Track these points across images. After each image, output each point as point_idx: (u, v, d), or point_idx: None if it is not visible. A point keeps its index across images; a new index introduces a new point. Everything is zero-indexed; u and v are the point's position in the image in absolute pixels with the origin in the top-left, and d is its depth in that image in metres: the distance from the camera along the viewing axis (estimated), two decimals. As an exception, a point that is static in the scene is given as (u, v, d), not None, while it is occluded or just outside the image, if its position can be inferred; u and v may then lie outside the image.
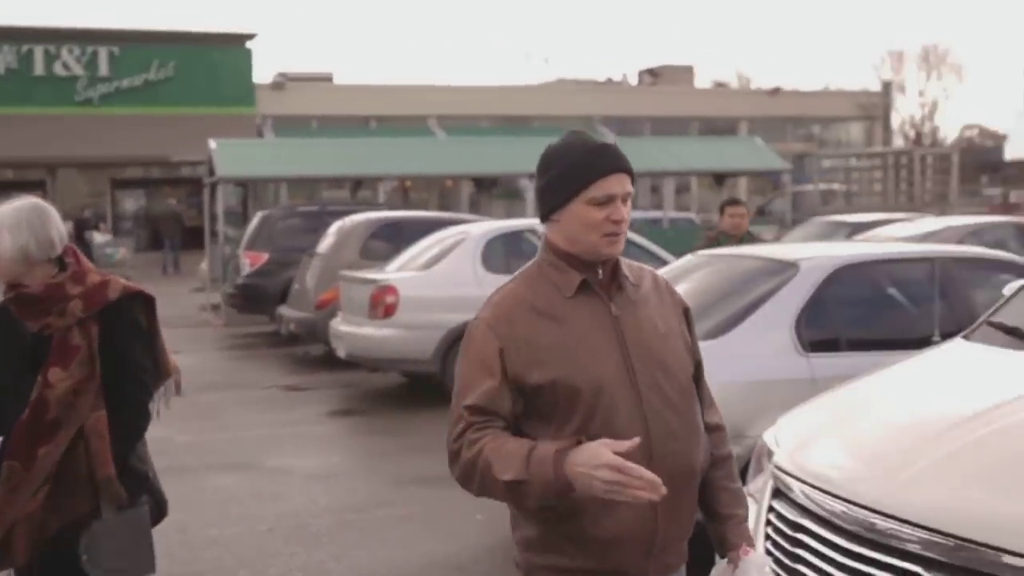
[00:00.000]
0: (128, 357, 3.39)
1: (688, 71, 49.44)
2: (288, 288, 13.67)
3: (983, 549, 2.42)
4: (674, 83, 45.12)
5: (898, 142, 49.26)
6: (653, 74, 47.45)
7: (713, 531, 2.54)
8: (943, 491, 2.65)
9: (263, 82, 36.98)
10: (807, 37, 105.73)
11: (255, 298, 14.86)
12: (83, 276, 3.39)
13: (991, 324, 3.87)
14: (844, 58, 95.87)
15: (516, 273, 2.60)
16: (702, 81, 50.77)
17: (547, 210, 2.50)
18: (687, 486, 2.40)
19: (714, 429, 2.56)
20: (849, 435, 3.24)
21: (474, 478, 2.32)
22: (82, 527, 3.27)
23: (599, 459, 2.13)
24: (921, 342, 4.63)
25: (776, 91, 44.68)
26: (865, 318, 5.62)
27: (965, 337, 3.90)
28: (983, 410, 2.93)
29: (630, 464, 2.12)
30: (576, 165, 2.40)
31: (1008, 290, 4.17)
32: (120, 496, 3.30)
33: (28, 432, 3.26)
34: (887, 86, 49.56)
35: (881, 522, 2.64)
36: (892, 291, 5.80)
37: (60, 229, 3.38)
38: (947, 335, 4.51)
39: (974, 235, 12.21)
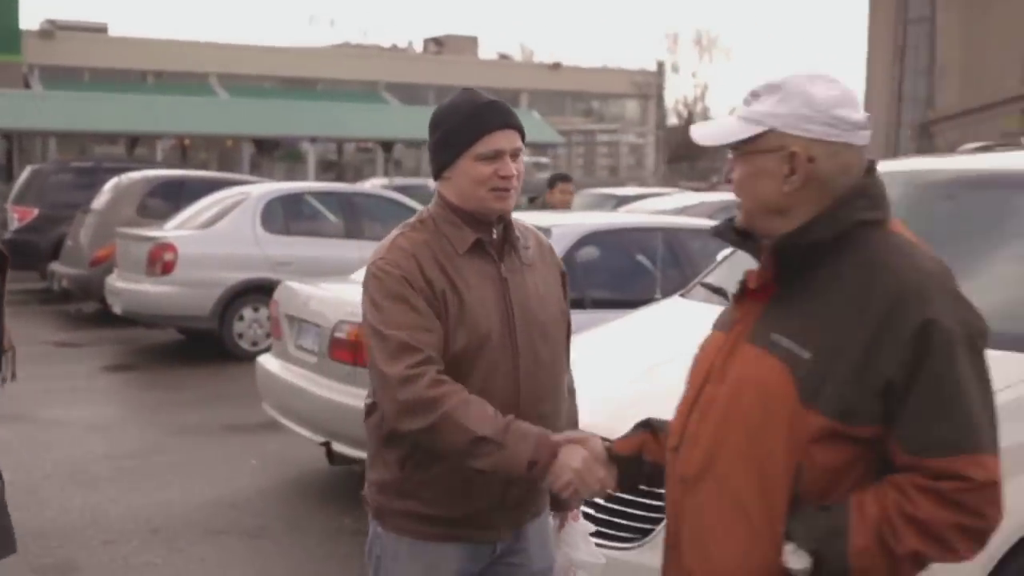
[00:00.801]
0: None
1: (473, 41, 50.16)
2: (60, 244, 13.42)
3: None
4: (459, 53, 45.76)
5: (672, 120, 51.55)
6: (438, 43, 47.91)
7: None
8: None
9: (31, 28, 35.20)
10: (590, 14, 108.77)
11: (24, 253, 14.43)
12: None
13: (703, 285, 4.56)
14: (624, 37, 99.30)
15: (409, 222, 2.54)
16: (486, 52, 51.68)
17: (438, 167, 2.48)
18: None
19: (570, 394, 2.68)
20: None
21: (429, 415, 2.28)
22: None
23: (592, 473, 2.21)
24: (649, 301, 5.32)
25: (557, 66, 46.05)
26: (606, 280, 6.31)
27: (682, 295, 4.58)
28: (667, 351, 3.57)
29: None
30: (463, 121, 2.41)
31: (720, 256, 4.88)
32: None
33: None
34: (661, 66, 51.77)
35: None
36: (628, 256, 6.52)
37: None
38: (670, 295, 5.21)
39: (724, 210, 13.31)
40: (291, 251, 10.26)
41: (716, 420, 1.90)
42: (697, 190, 19.54)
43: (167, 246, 10.04)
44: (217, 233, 10.32)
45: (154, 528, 5.43)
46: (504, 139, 2.42)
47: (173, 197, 12.56)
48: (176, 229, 10.67)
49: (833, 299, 1.82)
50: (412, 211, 11.33)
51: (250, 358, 7.86)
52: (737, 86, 58.96)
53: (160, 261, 9.98)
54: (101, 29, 39.65)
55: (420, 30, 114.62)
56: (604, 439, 2.26)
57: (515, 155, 2.44)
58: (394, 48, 49.47)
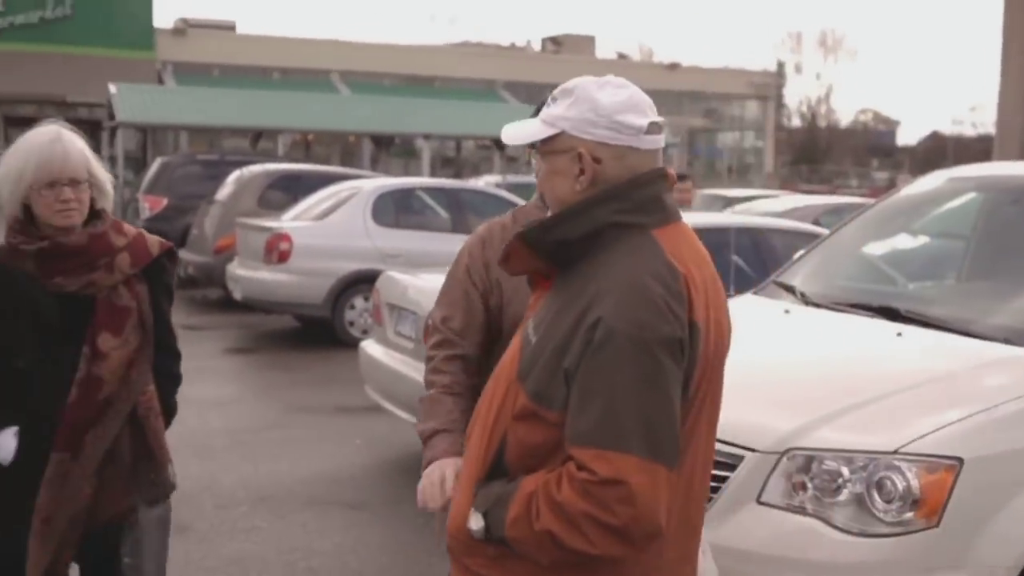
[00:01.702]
0: (164, 323, 3.01)
1: (590, 41, 50.38)
2: (187, 233, 14.14)
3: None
4: (576, 52, 45.99)
5: (796, 122, 50.94)
6: (556, 42, 48.26)
7: None
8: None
9: (164, 27, 36.67)
10: (710, 14, 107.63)
11: (154, 242, 15.28)
12: (121, 226, 2.96)
13: (776, 282, 4.78)
14: (744, 37, 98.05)
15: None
16: (604, 52, 51.82)
17: None
18: None
19: None
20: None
21: (423, 396, 2.58)
22: (121, 526, 2.93)
23: (436, 487, 2.29)
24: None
25: (675, 66, 45.93)
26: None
27: (755, 292, 4.80)
28: (735, 344, 3.80)
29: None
30: None
31: (796, 256, 5.08)
32: (169, 488, 2.99)
33: (78, 416, 2.81)
34: (781, 66, 51.22)
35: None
36: (717, 254, 6.71)
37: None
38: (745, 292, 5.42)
39: (832, 213, 13.29)
40: (400, 243, 10.68)
41: (483, 393, 2.08)
42: (814, 193, 19.47)
43: (283, 236, 10.57)
44: (330, 225, 10.82)
45: (262, 496, 5.88)
46: None
47: (291, 190, 13.14)
48: (292, 220, 11.21)
49: (567, 293, 1.93)
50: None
51: (359, 344, 8.29)
52: (863, 87, 57.81)
53: (276, 250, 10.52)
54: (230, 27, 41.05)
55: (538, 29, 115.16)
56: None
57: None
58: (512, 47, 49.98)
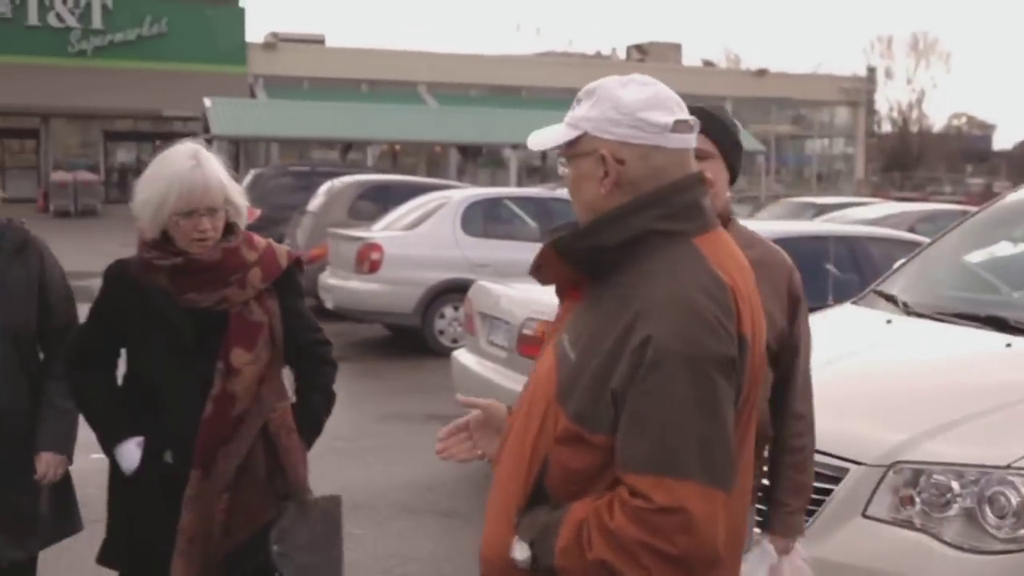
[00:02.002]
0: (306, 333, 3.02)
1: (676, 48, 50.14)
2: (279, 243, 14.30)
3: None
4: (662, 60, 45.77)
5: (887, 128, 50.02)
6: (641, 50, 48.10)
7: (766, 510, 2.69)
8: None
9: (255, 41, 37.40)
10: (798, 19, 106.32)
11: (247, 252, 15.53)
12: (253, 239, 2.96)
13: (876, 292, 4.69)
14: (833, 42, 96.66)
15: None
16: (690, 59, 51.51)
17: None
18: None
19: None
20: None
21: None
22: (260, 541, 2.92)
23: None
24: (822, 308, 5.44)
25: (763, 72, 45.43)
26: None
27: (854, 302, 4.72)
28: (839, 354, 3.74)
29: None
30: None
31: (896, 265, 4.97)
32: (309, 502, 3.01)
33: (212, 432, 2.81)
34: (872, 71, 50.31)
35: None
36: (802, 263, 6.60)
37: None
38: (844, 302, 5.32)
39: (927, 220, 13.02)
40: (489, 253, 10.70)
41: (514, 411, 1.98)
42: (906, 200, 19.08)
43: (374, 246, 10.69)
44: (420, 235, 10.92)
45: (357, 503, 5.93)
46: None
47: (381, 200, 13.26)
48: (383, 230, 11.33)
49: (606, 306, 1.81)
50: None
51: (449, 353, 8.33)
52: (957, 91, 56.58)
53: (368, 260, 10.64)
54: (319, 40, 41.72)
55: (624, 38, 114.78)
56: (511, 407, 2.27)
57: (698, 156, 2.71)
58: (598, 56, 49.93)
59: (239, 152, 27.31)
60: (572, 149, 1.90)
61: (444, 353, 9.81)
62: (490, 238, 11.07)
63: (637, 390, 1.72)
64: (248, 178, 17.08)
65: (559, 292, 1.97)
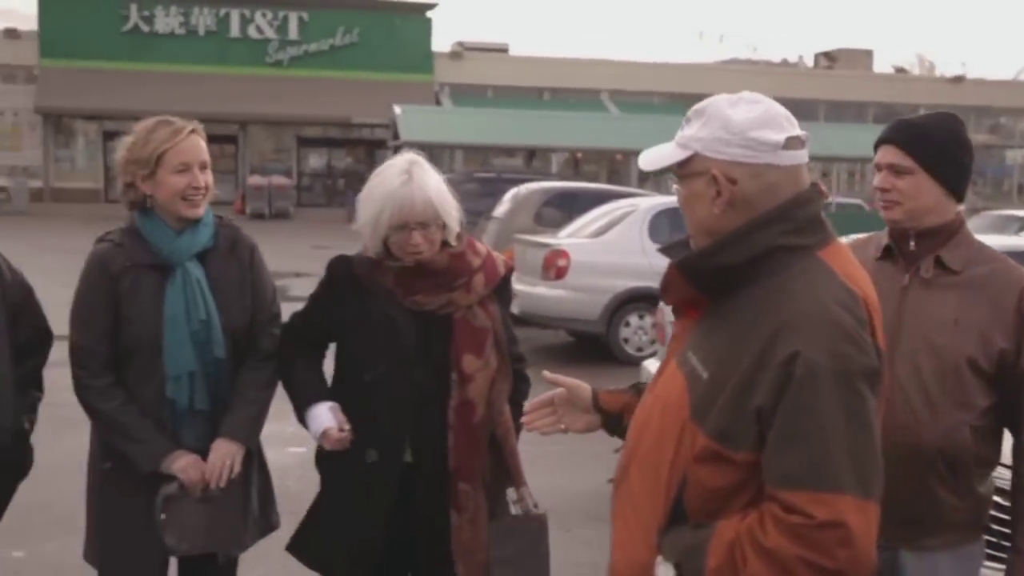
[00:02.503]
0: (511, 343, 3.04)
1: (867, 55, 48.47)
2: (464, 248, 14.51)
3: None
4: (851, 67, 44.38)
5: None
6: (830, 57, 46.76)
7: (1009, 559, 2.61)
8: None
9: (442, 51, 38.13)
10: (996, 22, 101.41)
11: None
12: (475, 245, 3.02)
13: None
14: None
15: None
16: (881, 66, 49.79)
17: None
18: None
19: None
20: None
21: None
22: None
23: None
24: None
25: (959, 79, 43.49)
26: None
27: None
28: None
29: None
30: None
31: None
32: (523, 516, 3.05)
33: (463, 443, 2.87)
34: (1080, 77, 47.51)
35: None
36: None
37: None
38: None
39: None
40: (676, 262, 10.56)
41: (637, 428, 1.97)
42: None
43: (561, 253, 10.69)
44: (607, 242, 10.86)
45: (544, 508, 5.91)
46: (883, 154, 2.62)
47: (567, 207, 13.28)
48: (569, 237, 11.32)
49: (737, 322, 1.81)
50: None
51: (634, 363, 8.25)
52: None
53: (554, 267, 10.65)
54: (503, 49, 42.22)
55: (811, 44, 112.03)
56: (597, 390, 2.37)
57: (888, 169, 2.61)
58: (784, 63, 48.86)
59: (424, 158, 27.91)
60: (684, 169, 1.91)
61: (628, 361, 9.73)
62: (677, 247, 10.88)
63: (787, 406, 1.72)
64: (435, 184, 17.41)
65: (676, 311, 1.99)
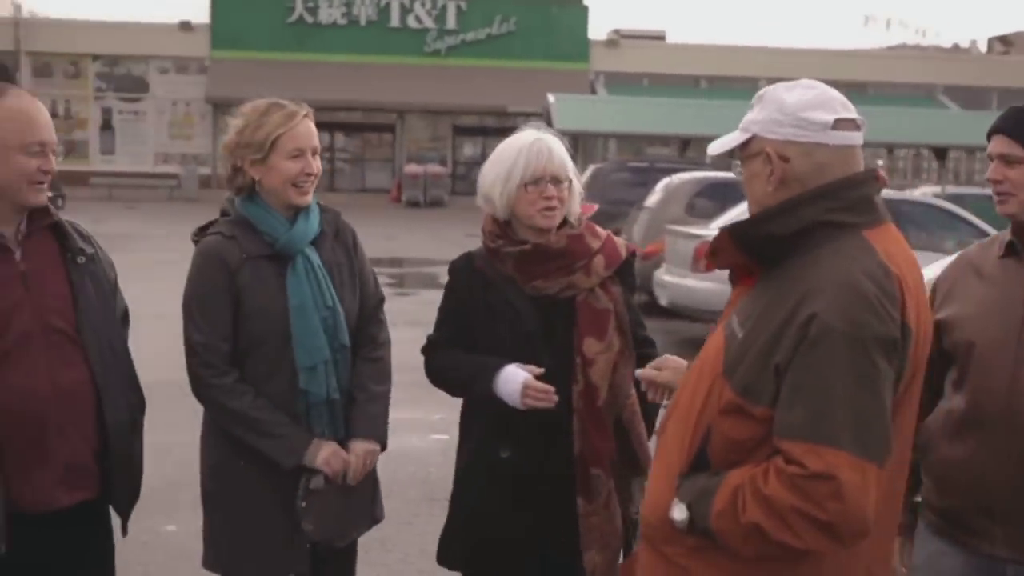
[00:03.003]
0: (640, 323, 3.00)
1: (1046, 39, 46.10)
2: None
3: None
4: (1028, 52, 42.31)
5: None
6: (1005, 42, 44.67)
7: None
8: None
9: (597, 39, 38.01)
10: None
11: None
12: (594, 228, 2.95)
13: None
14: None
15: None
16: (1061, 51, 47.15)
17: None
18: None
19: None
20: None
21: None
22: None
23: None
24: None
25: None
26: None
27: None
28: None
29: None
30: None
31: None
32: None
33: (589, 427, 2.79)
34: None
35: None
36: None
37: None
38: None
39: None
40: (832, 255, 10.27)
41: (681, 385, 2.10)
42: None
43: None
44: (760, 234, 10.61)
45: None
46: (994, 144, 2.51)
47: (720, 197, 13.01)
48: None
49: (777, 288, 1.91)
50: (962, 221, 10.88)
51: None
52: None
53: (704, 258, 10.46)
54: (660, 37, 41.83)
55: (986, 28, 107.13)
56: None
57: (1000, 159, 2.50)
58: (955, 48, 46.91)
59: (578, 147, 27.94)
60: (744, 151, 2.03)
61: (780, 357, 9.49)
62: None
63: (799, 363, 1.82)
64: (588, 173, 17.38)
65: (732, 278, 2.09)
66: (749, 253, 1.98)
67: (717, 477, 1.90)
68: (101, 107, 36.01)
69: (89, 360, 2.65)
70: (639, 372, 2.47)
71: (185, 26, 36.02)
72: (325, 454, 2.90)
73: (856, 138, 1.99)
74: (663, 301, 11.13)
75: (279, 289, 2.88)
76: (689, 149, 27.20)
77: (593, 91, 35.66)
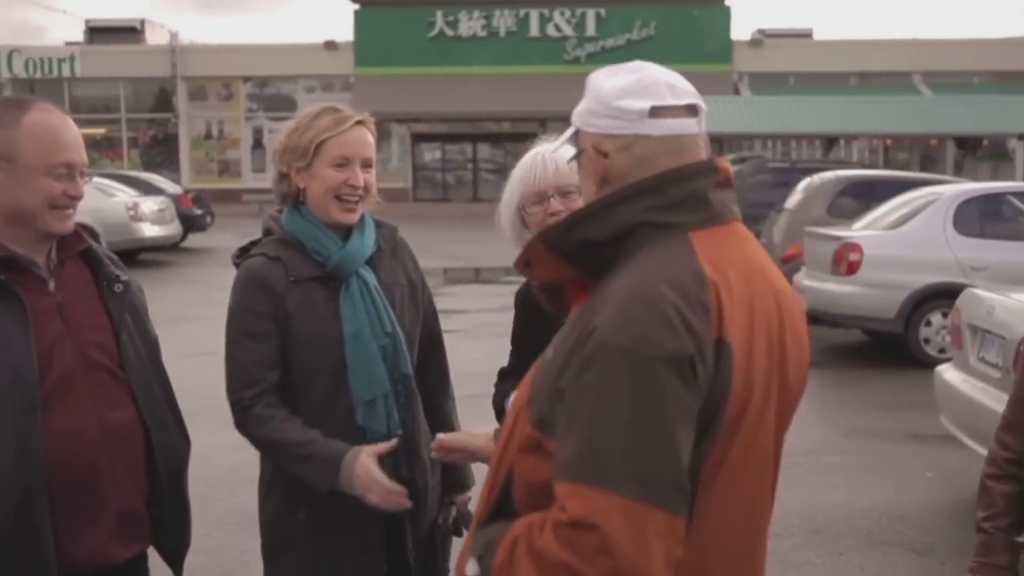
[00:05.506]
0: None
1: None
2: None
3: None
4: None
5: None
6: None
7: None
8: None
9: (741, 39, 37.22)
10: None
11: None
12: None
13: None
14: None
15: None
16: None
17: None
18: None
19: None
20: None
21: None
22: None
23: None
24: None
25: None
26: None
27: None
28: None
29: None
30: None
31: None
32: None
33: None
34: None
35: None
36: None
37: None
38: None
39: None
40: (986, 255, 9.61)
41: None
42: None
43: (853, 246, 9.96)
44: (905, 234, 10.01)
45: (816, 528, 5.41)
46: None
47: (863, 197, 12.43)
48: (863, 229, 10.55)
49: (590, 303, 1.62)
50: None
51: (936, 365, 7.50)
52: None
53: (845, 261, 9.93)
54: (806, 34, 40.65)
55: None
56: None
57: None
58: None
59: (721, 149, 27.30)
60: (576, 148, 1.76)
61: (928, 364, 8.87)
62: (987, 238, 9.89)
63: (574, 386, 1.53)
64: (726, 175, 16.89)
65: (569, 295, 1.76)
66: (570, 263, 1.67)
67: (507, 526, 1.60)
68: (252, 127, 37.11)
69: (135, 398, 2.45)
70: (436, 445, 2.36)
71: (330, 45, 36.82)
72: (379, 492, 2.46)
73: (687, 126, 1.68)
74: (803, 306, 10.59)
75: (332, 315, 2.56)
76: (835, 147, 26.31)
77: (736, 92, 34.86)
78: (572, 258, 1.67)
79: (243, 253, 2.69)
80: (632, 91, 1.68)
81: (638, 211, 1.63)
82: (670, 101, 1.68)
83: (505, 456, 1.67)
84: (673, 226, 1.62)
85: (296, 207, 2.66)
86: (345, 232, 2.64)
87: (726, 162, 1.72)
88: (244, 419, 2.56)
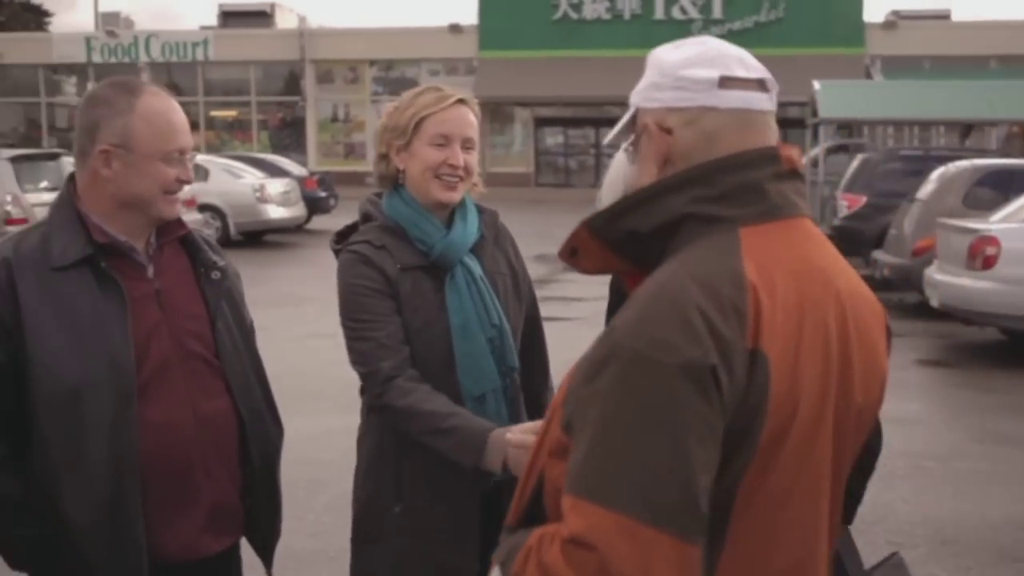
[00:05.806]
0: None
1: None
2: (884, 232, 13.49)
3: None
4: None
5: None
6: None
7: None
8: None
9: (874, 21, 36.09)
10: None
11: (851, 240, 14.78)
12: None
13: None
14: None
15: None
16: None
17: None
18: None
19: None
20: None
21: None
22: None
23: None
24: None
25: None
26: None
27: None
28: None
29: None
30: None
31: None
32: None
33: None
34: None
35: None
36: None
37: None
38: None
39: None
40: None
41: None
42: None
43: (990, 239, 9.50)
44: (1048, 227, 9.51)
45: (944, 540, 5.14)
46: None
47: (1003, 187, 11.89)
48: (1001, 222, 10.05)
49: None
50: None
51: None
52: None
53: (981, 255, 9.48)
54: (944, 16, 39.22)
55: None
56: None
57: None
58: None
59: (851, 135, 26.49)
60: (635, 133, 1.59)
61: (1070, 366, 8.46)
62: None
63: (586, 390, 1.40)
64: (855, 163, 16.35)
65: (624, 287, 1.63)
66: (617, 253, 1.53)
67: (527, 534, 1.46)
68: (377, 110, 37.53)
69: (231, 388, 2.42)
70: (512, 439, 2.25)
71: (455, 28, 36.98)
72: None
73: (759, 100, 1.53)
74: (934, 302, 10.17)
75: (438, 306, 2.48)
76: (972, 134, 25.27)
77: (868, 76, 33.79)
78: (619, 248, 1.53)
79: (341, 239, 2.62)
80: (699, 61, 1.53)
81: (685, 201, 1.48)
82: (740, 73, 1.54)
83: (537, 460, 1.54)
84: (723, 219, 1.47)
85: (396, 190, 2.58)
86: (447, 218, 2.56)
87: (793, 150, 1.55)
88: (385, 390, 2.43)
